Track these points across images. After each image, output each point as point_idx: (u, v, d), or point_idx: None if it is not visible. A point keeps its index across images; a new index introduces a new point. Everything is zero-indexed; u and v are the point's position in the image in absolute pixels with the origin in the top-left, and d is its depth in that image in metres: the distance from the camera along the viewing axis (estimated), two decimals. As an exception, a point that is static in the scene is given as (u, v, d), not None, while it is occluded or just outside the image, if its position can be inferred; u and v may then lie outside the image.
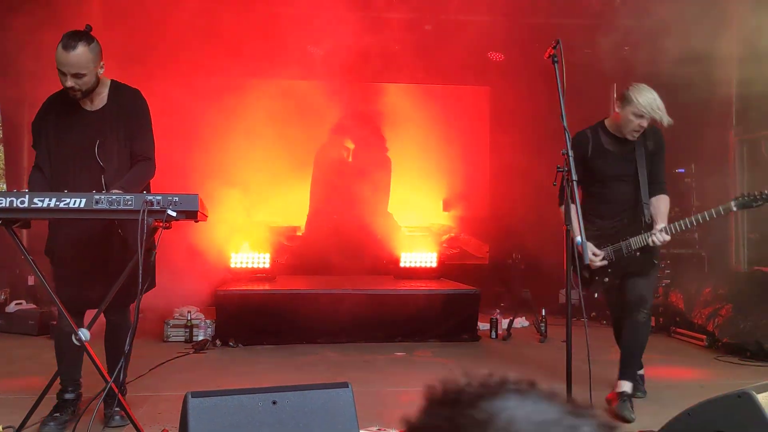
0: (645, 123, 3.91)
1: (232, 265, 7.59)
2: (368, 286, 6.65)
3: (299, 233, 8.58)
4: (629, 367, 4.15)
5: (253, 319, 6.13)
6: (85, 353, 3.23)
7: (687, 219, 3.94)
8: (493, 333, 6.60)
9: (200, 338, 6.09)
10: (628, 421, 3.81)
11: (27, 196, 2.93)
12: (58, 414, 3.57)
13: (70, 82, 3.38)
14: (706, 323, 6.00)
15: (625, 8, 7.69)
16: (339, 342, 6.14)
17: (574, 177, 2.99)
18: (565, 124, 3.03)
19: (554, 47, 3.16)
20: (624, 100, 3.89)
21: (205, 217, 3.28)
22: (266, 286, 6.74)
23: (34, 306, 7.02)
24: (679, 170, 7.82)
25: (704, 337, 6.00)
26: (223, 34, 7.42)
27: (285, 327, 6.16)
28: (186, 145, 7.10)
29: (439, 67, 8.27)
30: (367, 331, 6.23)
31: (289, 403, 2.36)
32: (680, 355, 5.78)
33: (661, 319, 6.85)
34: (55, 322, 6.39)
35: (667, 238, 3.94)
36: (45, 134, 3.57)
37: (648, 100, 3.82)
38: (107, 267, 3.51)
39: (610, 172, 4.11)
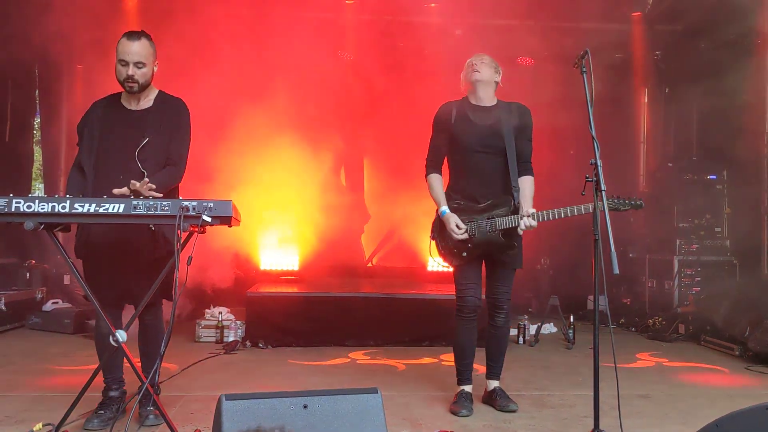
0: (476, 61, 4.09)
1: (262, 267, 7.71)
2: (396, 290, 6.71)
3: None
4: (496, 368, 4.31)
5: (282, 321, 6.22)
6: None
7: (556, 210, 3.79)
8: (521, 338, 6.60)
9: (230, 339, 6.20)
10: (514, 410, 4.08)
11: (68, 201, 3.02)
12: (102, 411, 3.66)
13: (130, 71, 3.57)
14: (738, 332, 5.93)
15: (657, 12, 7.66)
16: (367, 345, 6.20)
17: (603, 187, 3.00)
18: (593, 133, 3.04)
19: (582, 57, 3.17)
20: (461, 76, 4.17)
21: (238, 222, 3.35)
22: (295, 288, 6.83)
23: (70, 305, 7.20)
24: (711, 177, 7.75)
25: (735, 346, 5.94)
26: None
27: (314, 329, 6.24)
28: (221, 146, 7.20)
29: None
30: (395, 334, 6.29)
31: (320, 407, 2.42)
32: (710, 364, 5.72)
33: (691, 327, 6.79)
34: (90, 321, 6.57)
35: (534, 224, 3.85)
36: (89, 131, 3.70)
37: (469, 61, 4.11)
38: (138, 261, 3.59)
39: (474, 141, 4.05)
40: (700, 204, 7.74)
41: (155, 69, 3.72)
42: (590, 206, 3.51)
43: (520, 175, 4.07)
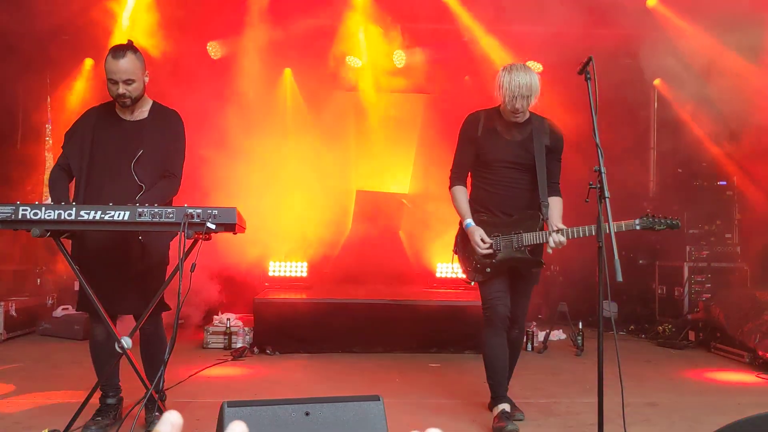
0: (518, 105, 3.70)
1: (270, 274, 7.73)
2: (404, 296, 6.69)
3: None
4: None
5: (290, 328, 6.23)
6: (124, 359, 3.34)
7: (586, 227, 3.56)
8: (529, 345, 6.58)
9: (239, 345, 6.22)
10: (520, 419, 3.93)
11: (74, 208, 3.05)
12: (99, 418, 3.68)
13: (121, 89, 3.57)
14: (748, 339, 5.89)
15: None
16: (374, 351, 6.20)
17: (607, 194, 2.99)
18: (597, 140, 3.04)
19: (586, 64, 3.16)
20: (498, 83, 3.74)
21: (243, 229, 3.37)
22: (303, 295, 6.83)
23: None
24: (721, 183, 7.71)
25: (745, 353, 5.89)
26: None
27: (321, 336, 6.25)
28: (229, 153, 7.23)
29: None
30: (402, 341, 6.28)
31: (322, 414, 2.41)
32: (720, 371, 5.68)
33: (701, 335, 6.74)
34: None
35: (564, 241, 3.68)
36: (81, 137, 3.68)
37: (515, 82, 3.66)
38: (129, 273, 3.61)
39: (502, 156, 3.86)
40: (710, 210, 7.70)
41: (146, 80, 3.70)
42: (622, 225, 3.45)
43: (548, 195, 3.88)
